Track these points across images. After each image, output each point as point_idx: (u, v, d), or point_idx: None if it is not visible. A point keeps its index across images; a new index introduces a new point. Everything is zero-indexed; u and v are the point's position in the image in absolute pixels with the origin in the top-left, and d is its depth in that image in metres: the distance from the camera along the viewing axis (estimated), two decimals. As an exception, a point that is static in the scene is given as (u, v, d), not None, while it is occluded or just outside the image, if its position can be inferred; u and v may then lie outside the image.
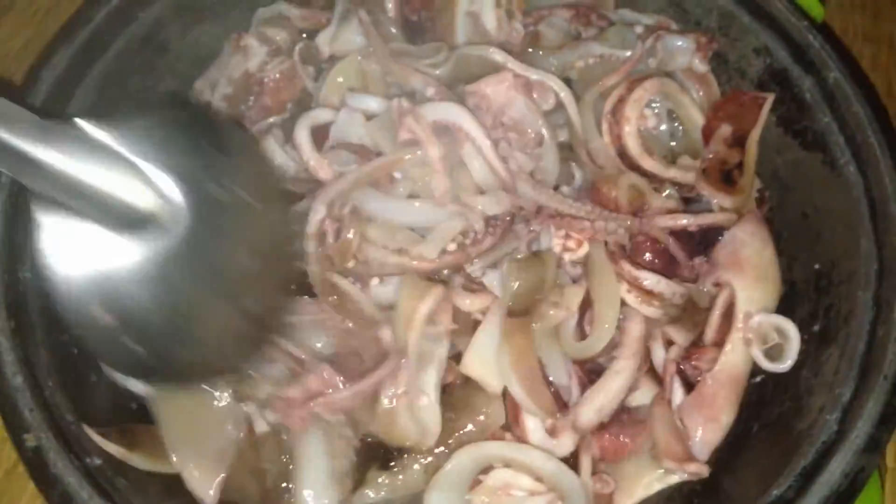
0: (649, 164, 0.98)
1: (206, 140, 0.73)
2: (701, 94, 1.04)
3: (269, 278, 0.81)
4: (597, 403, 0.88)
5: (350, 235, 0.89)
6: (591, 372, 0.92)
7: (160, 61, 1.03)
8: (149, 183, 0.64)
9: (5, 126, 0.57)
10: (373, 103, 0.96)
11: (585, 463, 0.90)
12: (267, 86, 1.04)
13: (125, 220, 0.64)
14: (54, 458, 0.75)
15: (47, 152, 0.59)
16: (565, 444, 0.90)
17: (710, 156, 0.99)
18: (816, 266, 0.94)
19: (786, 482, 0.77)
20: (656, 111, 1.04)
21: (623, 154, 0.99)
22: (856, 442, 0.77)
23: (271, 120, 1.04)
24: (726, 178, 0.98)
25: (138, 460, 0.81)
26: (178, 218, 0.65)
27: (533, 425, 0.89)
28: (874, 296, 0.84)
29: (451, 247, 0.92)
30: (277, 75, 1.04)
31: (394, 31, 1.06)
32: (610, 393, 0.89)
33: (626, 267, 0.92)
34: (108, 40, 0.98)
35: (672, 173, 0.99)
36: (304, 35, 1.08)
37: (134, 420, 0.86)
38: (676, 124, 1.05)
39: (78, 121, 0.64)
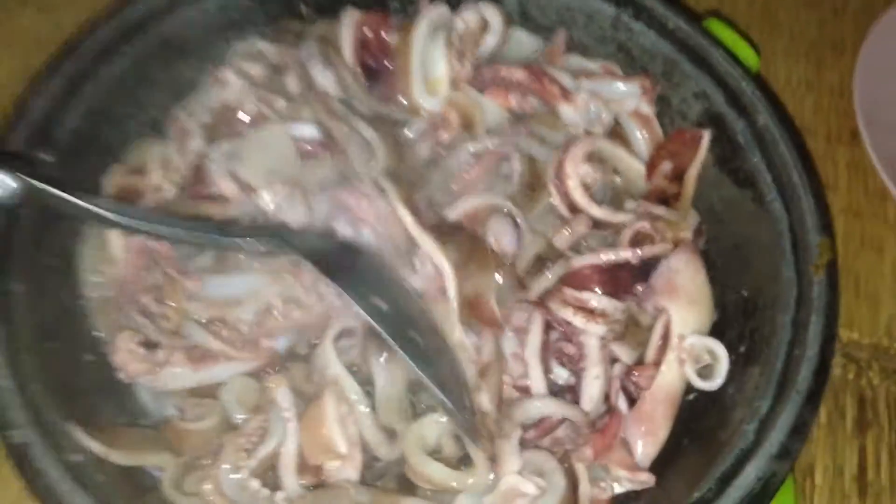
0: (597, 211, 1.06)
1: None
2: (645, 134, 1.13)
3: None
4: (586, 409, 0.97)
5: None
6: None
7: (142, 92, 1.10)
8: None
9: None
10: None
11: (581, 470, 0.96)
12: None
13: None
14: (38, 453, 0.82)
15: None
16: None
17: (651, 188, 1.08)
18: (744, 293, 1.02)
19: (706, 486, 0.84)
20: (597, 168, 1.11)
21: (573, 207, 1.07)
22: (769, 450, 0.85)
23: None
24: (664, 203, 1.06)
25: (117, 456, 0.88)
26: None
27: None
28: (792, 319, 0.93)
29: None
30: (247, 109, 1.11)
31: (349, 79, 1.13)
32: (594, 399, 0.98)
33: (570, 292, 1.00)
34: (93, 71, 1.05)
35: (620, 217, 1.07)
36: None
37: (115, 421, 0.93)
38: (618, 178, 1.13)
39: None
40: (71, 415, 0.87)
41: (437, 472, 0.94)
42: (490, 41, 1.18)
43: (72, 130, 1.02)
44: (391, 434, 0.96)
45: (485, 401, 0.95)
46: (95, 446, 0.87)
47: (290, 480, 0.93)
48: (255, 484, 0.91)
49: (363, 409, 0.95)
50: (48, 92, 1.01)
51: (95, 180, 1.05)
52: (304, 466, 0.94)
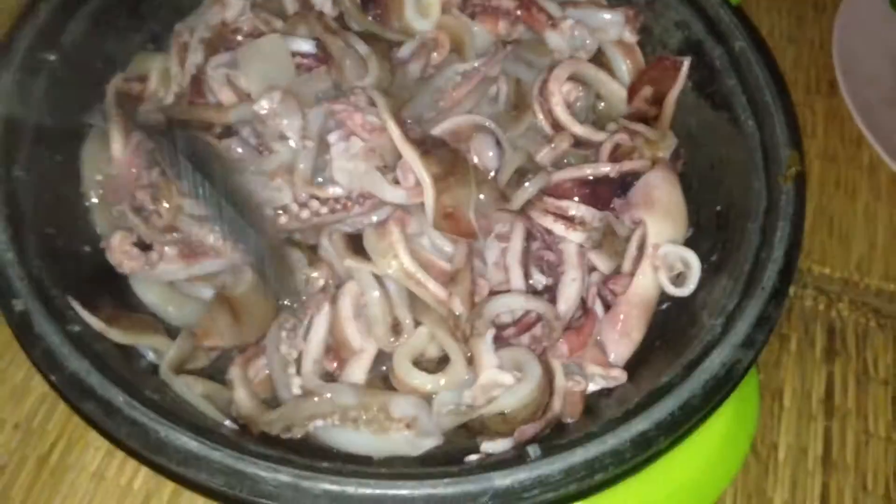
0: (579, 129, 1.11)
1: None
2: (628, 61, 1.18)
3: None
4: (562, 308, 1.01)
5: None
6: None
7: (144, 6, 1.15)
8: None
9: None
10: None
11: (557, 365, 1.00)
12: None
13: None
14: (39, 320, 0.86)
15: None
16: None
17: (632, 111, 1.13)
18: (718, 208, 1.07)
19: (674, 371, 0.89)
20: (580, 89, 1.16)
21: (556, 125, 1.11)
22: (734, 339, 0.90)
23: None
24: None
25: (115, 334, 0.92)
26: None
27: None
28: (761, 226, 0.98)
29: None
30: (246, 28, 1.16)
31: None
32: (570, 300, 1.02)
33: (550, 200, 1.05)
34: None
35: (601, 136, 1.11)
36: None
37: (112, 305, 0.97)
38: (601, 104, 1.19)
39: None
40: (70, 291, 0.91)
41: (419, 381, 0.98)
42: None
43: (77, 38, 1.07)
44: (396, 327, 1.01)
45: (456, 304, 0.98)
46: (94, 321, 0.90)
47: (309, 369, 0.98)
48: (291, 369, 0.97)
49: (375, 294, 0.99)
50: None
51: (100, 86, 1.08)
52: (335, 356, 1.01)
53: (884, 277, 1.33)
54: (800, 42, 1.59)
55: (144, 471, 1.11)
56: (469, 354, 0.98)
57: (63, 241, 0.99)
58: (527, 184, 1.05)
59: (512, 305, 0.99)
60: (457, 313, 0.98)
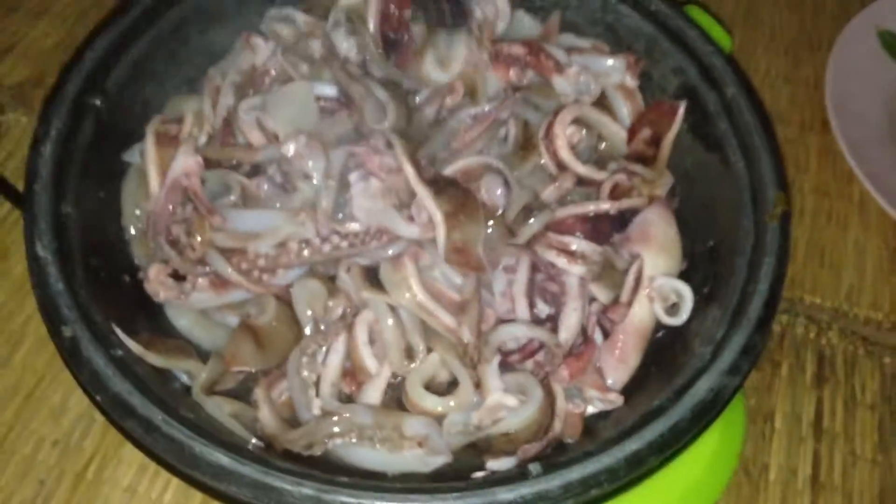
0: (582, 169, 1.19)
1: None
2: (629, 104, 1.26)
3: None
4: (564, 336, 1.09)
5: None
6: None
7: (181, 52, 1.24)
8: None
9: None
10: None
11: (558, 389, 1.07)
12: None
13: None
14: (86, 345, 0.94)
15: None
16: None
17: (632, 151, 1.21)
18: (710, 243, 1.15)
19: (665, 396, 0.97)
20: (583, 131, 1.25)
21: (560, 165, 1.20)
22: (721, 366, 0.97)
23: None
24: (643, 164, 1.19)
25: (152, 358, 1.00)
26: None
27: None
28: (749, 261, 1.05)
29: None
30: (275, 71, 1.25)
31: (371, 46, 1.26)
32: (571, 328, 1.10)
33: (554, 236, 1.13)
34: (139, 32, 1.19)
35: (601, 175, 1.19)
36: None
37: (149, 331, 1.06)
38: (603, 144, 1.27)
39: None
40: (113, 318, 1.00)
41: (430, 403, 1.06)
42: (500, 26, 1.31)
43: (119, 82, 1.16)
44: (409, 352, 1.08)
45: (465, 332, 1.06)
46: (134, 346, 0.99)
47: (326, 391, 1.07)
48: (311, 392, 1.05)
49: (389, 322, 1.07)
50: (100, 47, 1.14)
51: (139, 127, 1.18)
52: (353, 379, 1.10)
53: (872, 307, 1.41)
54: (795, 82, 1.66)
55: (174, 485, 1.19)
56: (476, 379, 1.06)
57: (105, 271, 1.07)
58: (532, 220, 1.13)
59: (516, 334, 1.07)
60: (465, 341, 1.06)
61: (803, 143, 1.58)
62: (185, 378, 1.06)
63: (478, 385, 1.06)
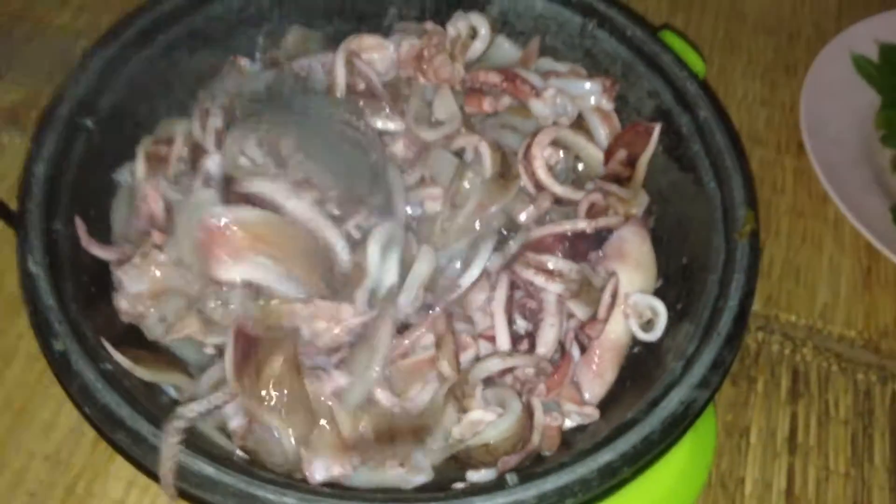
0: (559, 189, 1.22)
1: None
2: (605, 126, 1.30)
3: None
4: (542, 351, 1.12)
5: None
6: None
7: (172, 74, 1.28)
8: None
9: None
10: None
11: (536, 403, 1.09)
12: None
13: None
14: (76, 359, 0.97)
15: None
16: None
17: (608, 172, 1.25)
18: (684, 260, 1.18)
19: (638, 408, 1.00)
20: (560, 152, 1.28)
21: (539, 186, 1.23)
22: (692, 380, 1.00)
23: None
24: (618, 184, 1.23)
25: (141, 372, 1.03)
26: None
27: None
28: (719, 278, 1.09)
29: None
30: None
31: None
32: (549, 343, 1.13)
33: (532, 255, 1.16)
34: (131, 55, 1.22)
35: (579, 195, 1.23)
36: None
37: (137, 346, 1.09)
38: (580, 165, 1.30)
39: None
40: (102, 333, 1.03)
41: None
42: (478, 46, 1.34)
43: (111, 104, 1.19)
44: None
45: (445, 367, 1.08)
46: (123, 360, 1.01)
47: None
48: None
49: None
50: (92, 70, 1.18)
51: (130, 148, 1.21)
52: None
53: (846, 325, 1.44)
54: (772, 105, 1.70)
55: (161, 500, 1.21)
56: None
57: (95, 287, 1.10)
58: (511, 242, 1.17)
59: (493, 369, 1.09)
60: (445, 376, 1.09)
61: (780, 164, 1.62)
62: (172, 392, 1.09)
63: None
